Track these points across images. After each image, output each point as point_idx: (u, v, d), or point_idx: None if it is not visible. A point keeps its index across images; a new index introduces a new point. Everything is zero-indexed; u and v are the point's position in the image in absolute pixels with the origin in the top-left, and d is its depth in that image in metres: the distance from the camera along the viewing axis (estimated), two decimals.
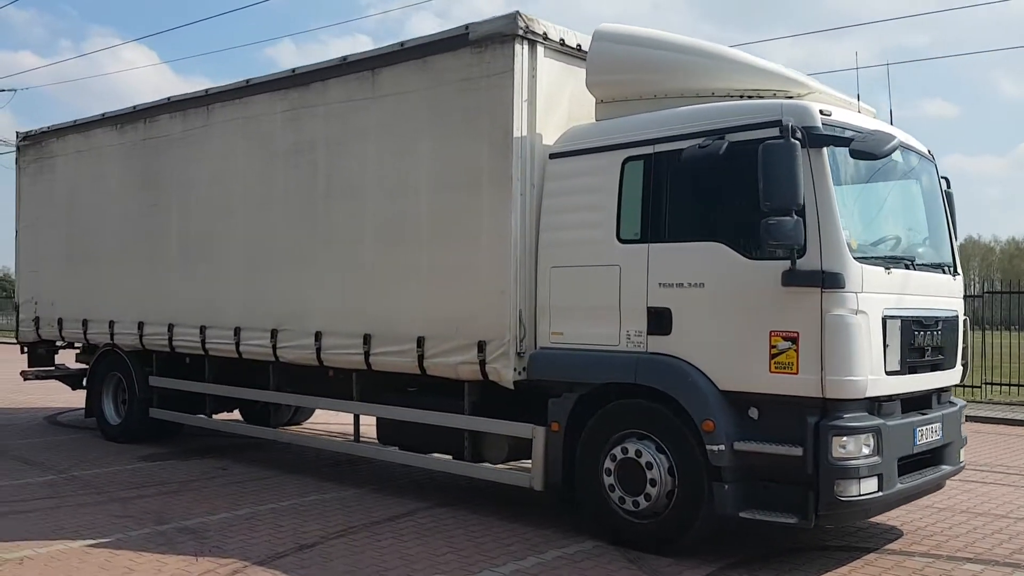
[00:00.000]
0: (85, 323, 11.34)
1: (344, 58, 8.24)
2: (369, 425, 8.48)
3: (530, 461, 6.89)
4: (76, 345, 12.28)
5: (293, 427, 11.34)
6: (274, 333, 8.85)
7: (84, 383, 12.53)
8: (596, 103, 6.95)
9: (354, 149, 8.14)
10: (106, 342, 11.07)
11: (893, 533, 6.88)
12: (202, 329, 9.67)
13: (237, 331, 9.25)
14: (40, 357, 12.90)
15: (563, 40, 7.16)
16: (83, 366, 12.52)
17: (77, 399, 13.83)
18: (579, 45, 7.26)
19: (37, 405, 14.73)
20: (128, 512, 7.33)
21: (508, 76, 6.89)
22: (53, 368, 12.89)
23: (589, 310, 6.54)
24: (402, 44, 7.74)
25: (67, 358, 12.81)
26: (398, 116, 7.76)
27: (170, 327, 10.08)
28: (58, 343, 12.55)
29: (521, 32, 6.86)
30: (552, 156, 6.90)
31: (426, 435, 7.74)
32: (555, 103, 7.11)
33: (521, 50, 6.89)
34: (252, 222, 9.18)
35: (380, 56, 7.94)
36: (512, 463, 7.49)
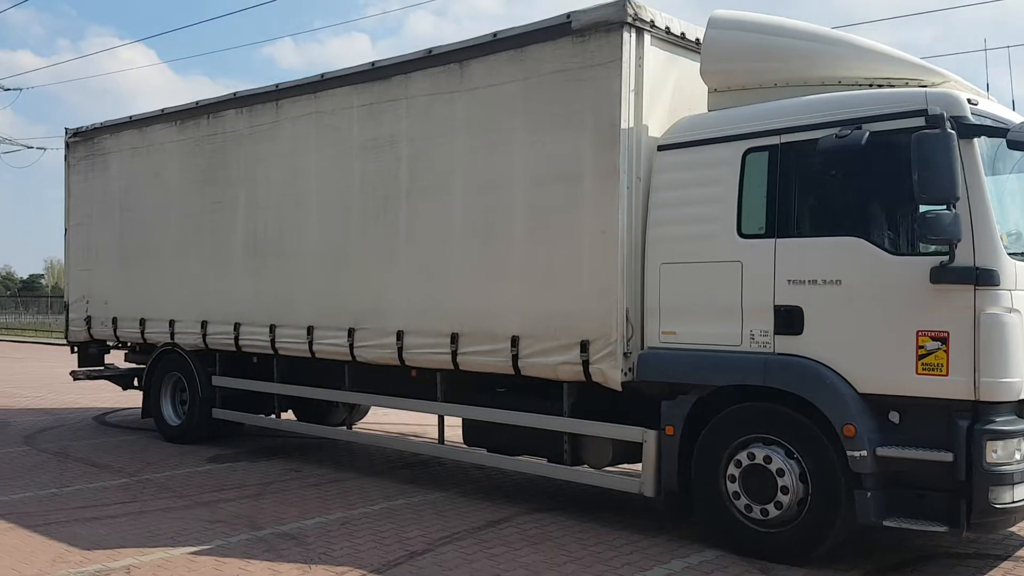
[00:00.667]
0: (142, 322, 11.13)
1: (429, 50, 7.99)
2: (452, 426, 8.25)
3: (628, 465, 6.64)
4: (127, 344, 12.11)
5: (361, 427, 11.08)
6: (351, 332, 8.61)
7: (136, 383, 12.40)
8: (709, 92, 6.70)
9: (440, 143, 7.89)
10: (165, 341, 10.85)
11: (1014, 538, 6.61)
12: (271, 328, 9.44)
13: (310, 330, 9.02)
14: (90, 357, 12.69)
15: (668, 28, 6.91)
16: (134, 366, 12.37)
17: (124, 399, 13.78)
18: (683, 33, 7.01)
19: (83, 405, 14.53)
20: (217, 517, 7.11)
21: (615, 66, 6.63)
22: (103, 368, 12.69)
23: (706, 308, 6.29)
24: (495, 35, 7.49)
25: (115, 357, 12.63)
26: (489, 109, 7.52)
27: (236, 326, 9.86)
28: (109, 343, 12.37)
29: (629, 20, 6.61)
30: (661, 148, 6.64)
31: (518, 437, 7.50)
32: (659, 94, 6.86)
33: (629, 39, 6.64)
34: (326, 219, 8.95)
35: (469, 48, 7.68)
36: (609, 467, 7.24)
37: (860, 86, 6.16)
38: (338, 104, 8.85)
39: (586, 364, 6.77)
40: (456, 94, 7.77)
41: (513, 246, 7.32)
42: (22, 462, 9.46)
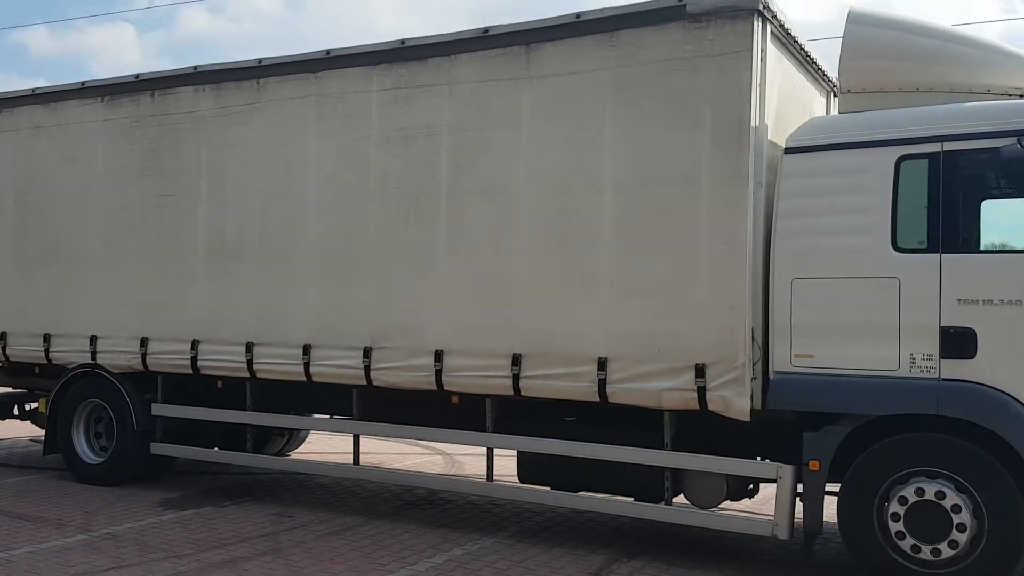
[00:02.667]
0: (47, 338, 9.20)
1: (485, 30, 6.96)
2: (468, 455, 7.23)
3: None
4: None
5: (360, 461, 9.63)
6: (367, 352, 7.39)
7: (15, 412, 10.38)
8: (841, 92, 6.19)
9: (496, 137, 6.89)
10: (82, 362, 9.00)
11: None
12: (248, 347, 7.99)
13: (307, 349, 7.68)
14: None
15: (783, 23, 6.33)
16: (10, 391, 10.33)
17: None
18: (790, 30, 6.47)
19: None
20: None
21: (743, 57, 5.97)
22: None
23: (852, 329, 5.72)
24: (577, 16, 6.59)
25: None
26: (566, 99, 6.62)
27: (194, 344, 8.29)
28: None
29: (760, 7, 5.97)
30: (789, 151, 6.03)
31: (597, 474, 6.62)
32: (772, 92, 6.26)
33: (758, 28, 6.00)
34: (331, 220, 7.65)
35: (540, 30, 6.74)
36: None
37: (1010, 96, 5.84)
38: (349, 87, 7.59)
39: (702, 391, 6.03)
40: (520, 81, 6.80)
41: (600, 255, 6.45)
42: None
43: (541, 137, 6.71)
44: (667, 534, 7.11)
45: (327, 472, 8.67)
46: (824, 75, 7.42)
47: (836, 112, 7.61)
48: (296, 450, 10.32)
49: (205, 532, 7.06)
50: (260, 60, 8.06)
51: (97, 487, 8.73)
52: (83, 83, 9.15)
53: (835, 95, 7.69)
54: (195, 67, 8.44)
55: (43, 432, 9.69)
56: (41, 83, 9.57)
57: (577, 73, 6.58)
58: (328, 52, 7.70)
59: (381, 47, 7.45)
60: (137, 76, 8.77)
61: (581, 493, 6.82)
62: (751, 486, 6.57)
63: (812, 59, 7.06)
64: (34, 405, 10.34)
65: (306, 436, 10.54)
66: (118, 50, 70.05)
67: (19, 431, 12.13)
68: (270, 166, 8.00)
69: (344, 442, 10.60)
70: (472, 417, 7.11)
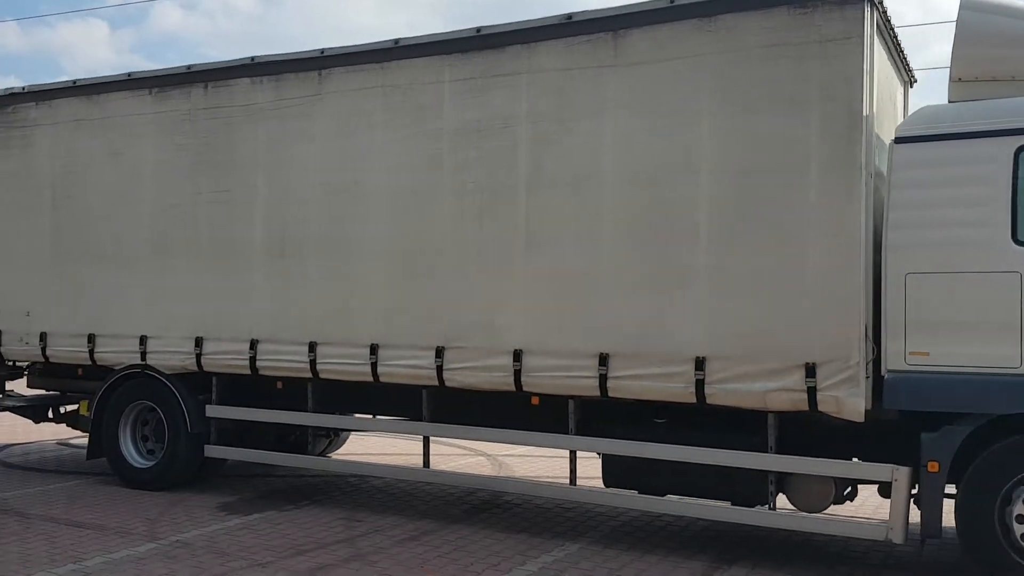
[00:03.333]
0: (92, 339, 8.90)
1: (569, 16, 6.71)
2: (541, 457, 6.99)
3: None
4: (26, 367, 9.83)
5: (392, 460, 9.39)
6: (439, 351, 7.14)
7: (50, 415, 10.09)
8: (952, 81, 5.96)
9: (581, 128, 6.65)
10: (130, 363, 8.71)
11: None
12: (312, 346, 7.72)
13: (374, 349, 7.42)
14: None
15: (885, 11, 6.12)
16: (43, 392, 10.04)
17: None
18: (890, 20, 6.27)
19: None
20: None
21: (854, 44, 5.76)
22: (11, 396, 10.16)
23: (970, 325, 5.51)
24: (672, 0, 6.35)
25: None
26: (658, 87, 6.39)
27: (253, 344, 8.02)
28: (19, 364, 9.93)
29: None
30: (899, 140, 5.81)
31: (692, 477, 6.39)
32: (875, 80, 6.04)
33: (868, 14, 5.78)
34: (399, 216, 7.40)
35: (629, 15, 6.50)
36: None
37: None
38: (418, 77, 7.34)
39: (812, 392, 5.80)
40: (607, 69, 6.56)
41: (696, 249, 6.21)
42: None
43: (629, 127, 6.47)
44: (754, 538, 6.90)
45: (400, 476, 8.38)
46: (907, 66, 7.23)
47: (909, 104, 7.48)
48: (336, 451, 10.07)
49: (279, 538, 6.80)
50: (323, 51, 7.79)
51: (147, 492, 8.44)
52: (129, 74, 8.85)
53: (911, 86, 7.54)
54: (252, 58, 8.15)
55: (73, 435, 9.46)
56: (12, 81, 9.21)
57: (670, 60, 6.34)
58: (397, 41, 7.44)
59: (455, 36, 7.20)
60: (189, 67, 8.48)
61: (671, 497, 6.59)
62: (848, 489, 6.36)
63: (901, 49, 6.86)
64: (71, 408, 10.09)
65: (347, 437, 10.29)
66: (90, 47, 69.33)
67: (42, 434, 11.90)
68: (333, 160, 7.73)
69: (383, 443, 10.42)
70: (552, 419, 6.88)
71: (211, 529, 7.07)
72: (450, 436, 7.73)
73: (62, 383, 9.86)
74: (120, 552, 6.39)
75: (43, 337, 9.21)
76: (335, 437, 9.98)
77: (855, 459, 6.11)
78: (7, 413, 10.15)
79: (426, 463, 7.67)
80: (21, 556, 6.28)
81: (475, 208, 7.05)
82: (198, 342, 8.32)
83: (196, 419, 8.43)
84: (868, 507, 7.26)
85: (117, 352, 8.80)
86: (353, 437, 10.41)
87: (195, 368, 8.39)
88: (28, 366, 9.98)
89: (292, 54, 7.97)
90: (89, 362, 9.01)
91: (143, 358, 8.62)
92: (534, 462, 9.87)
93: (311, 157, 7.83)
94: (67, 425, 10.19)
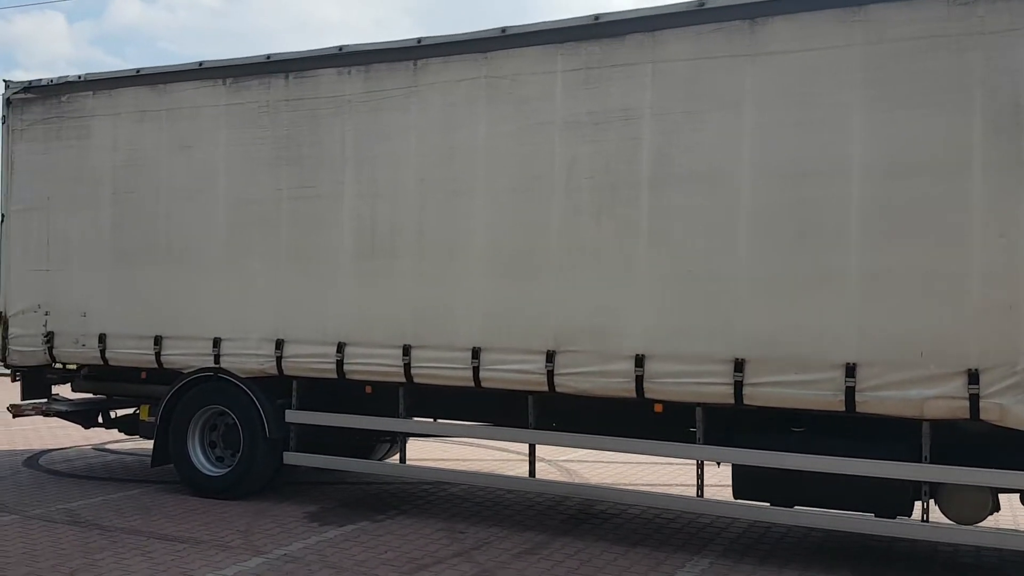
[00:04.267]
0: (159, 340, 8.48)
1: (700, 3, 6.40)
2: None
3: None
4: (72, 370, 9.43)
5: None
6: (550, 356, 6.81)
7: (100, 420, 9.68)
8: None
9: (714, 120, 6.35)
10: (202, 366, 8.30)
11: None
12: (406, 350, 7.37)
13: (476, 352, 7.08)
14: (38, 386, 9.70)
15: None
16: (91, 396, 9.64)
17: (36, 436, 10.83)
18: None
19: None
20: None
21: (1021, 35, 5.49)
22: (60, 400, 9.71)
23: None
24: None
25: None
26: (801, 79, 6.10)
27: (340, 346, 7.65)
28: (69, 366, 9.49)
29: None
30: None
31: (830, 488, 6.10)
32: None
33: None
34: (504, 212, 7.07)
35: (768, 3, 6.19)
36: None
37: None
38: (526, 67, 7.01)
39: (975, 399, 5.54)
40: (743, 58, 6.26)
41: (846, 250, 5.93)
42: (49, 541, 6.68)
43: (769, 120, 6.18)
44: (876, 550, 6.63)
45: (508, 486, 8.09)
46: None
47: None
48: (392, 457, 9.69)
49: (389, 551, 6.45)
50: (419, 40, 7.43)
51: (221, 501, 8.04)
52: (200, 63, 8.43)
53: None
54: (340, 47, 7.78)
55: (110, 439, 9.02)
56: None
57: (814, 50, 6.06)
58: (504, 30, 7.10)
59: (569, 24, 6.87)
60: (269, 56, 8.09)
61: (805, 509, 6.29)
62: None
63: None
64: (120, 413, 9.68)
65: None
66: (48, 41, 68.08)
67: (71, 439, 11.51)
68: (430, 154, 7.38)
69: (434, 448, 10.04)
70: (676, 427, 6.58)
71: (312, 542, 6.70)
72: (558, 444, 7.43)
73: (112, 387, 9.45)
74: (230, 568, 6.02)
75: (102, 339, 8.78)
76: (395, 443, 9.63)
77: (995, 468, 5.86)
78: (17, 418, 9.67)
79: (532, 472, 7.33)
80: (124, 574, 5.89)
81: (591, 205, 6.73)
82: (278, 344, 7.93)
83: (275, 425, 8.05)
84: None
85: (186, 355, 8.40)
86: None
87: (274, 371, 8.00)
88: (78, 369, 9.56)
89: (384, 43, 7.61)
90: (155, 365, 8.59)
91: (216, 361, 8.23)
92: (600, 468, 9.57)
93: (404, 152, 7.48)
94: (119, 431, 9.80)
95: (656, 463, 9.54)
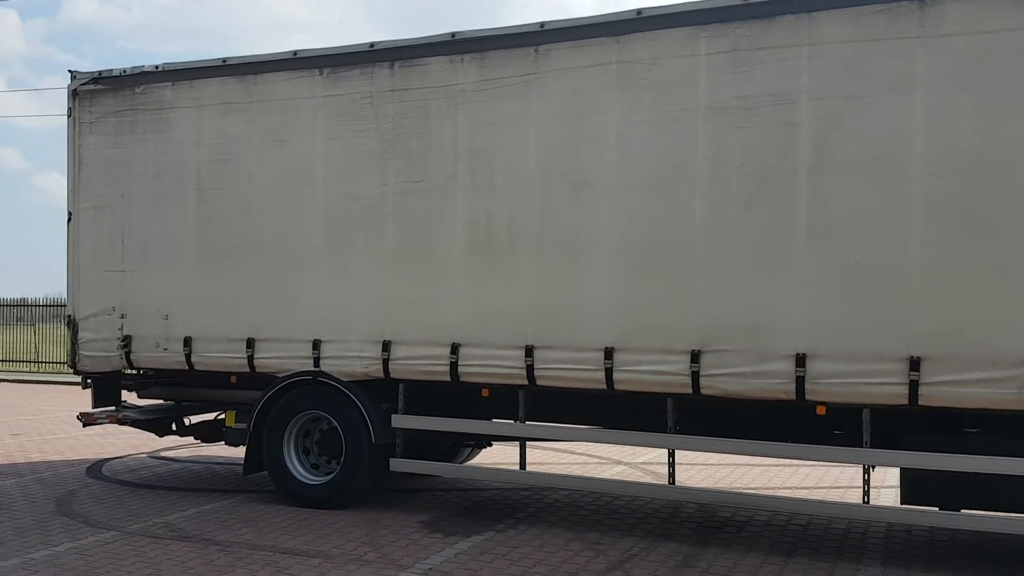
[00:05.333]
0: (251, 343, 8.07)
1: None
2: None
3: None
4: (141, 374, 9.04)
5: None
6: (695, 356, 6.46)
7: (173, 428, 9.27)
8: None
9: (881, 105, 6.00)
10: (300, 369, 7.90)
11: None
12: (528, 350, 7.00)
13: (609, 353, 6.72)
14: (108, 393, 9.26)
15: None
16: (159, 403, 9.26)
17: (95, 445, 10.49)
18: None
19: (37, 457, 10.77)
20: None
21: None
22: (130, 408, 9.27)
23: None
24: None
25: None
26: (978, 62, 5.77)
27: (454, 347, 7.27)
28: (139, 371, 9.07)
29: None
30: None
31: (1013, 491, 5.78)
32: None
33: None
34: (638, 204, 6.71)
35: None
36: None
37: None
38: (664, 51, 6.65)
39: None
40: (912, 40, 5.93)
41: None
42: (170, 560, 6.26)
43: (944, 105, 5.85)
44: None
45: (647, 494, 7.86)
46: None
47: None
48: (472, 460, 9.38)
49: (537, 564, 6.08)
50: (542, 24, 7.06)
51: (324, 511, 7.65)
52: (295, 53, 8.03)
53: None
54: (452, 34, 7.40)
55: (161, 446, 8.57)
56: None
57: (992, 32, 5.73)
58: (639, 12, 6.74)
59: (712, 4, 6.51)
60: (372, 45, 7.69)
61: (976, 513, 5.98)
62: None
63: None
64: (198, 419, 9.27)
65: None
66: (1, 39, 66.95)
67: (118, 447, 11.11)
68: (553, 145, 7.01)
69: (498, 452, 9.67)
70: (843, 430, 6.25)
71: (450, 554, 6.33)
72: (705, 449, 7.02)
73: (193, 393, 9.04)
74: None
75: (187, 342, 8.36)
76: (476, 447, 9.28)
77: None
78: (88, 427, 9.21)
79: (671, 479, 6.95)
80: None
81: (741, 195, 6.38)
82: (385, 346, 7.55)
83: (381, 430, 7.66)
84: None
85: (282, 358, 8.00)
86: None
87: (380, 375, 7.62)
88: (156, 374, 9.13)
89: (501, 29, 7.24)
90: (246, 369, 8.18)
91: (316, 364, 7.83)
92: (692, 471, 9.24)
93: (525, 143, 7.10)
94: (196, 438, 9.37)
95: (750, 464, 9.24)
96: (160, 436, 9.47)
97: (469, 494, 8.40)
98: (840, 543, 6.68)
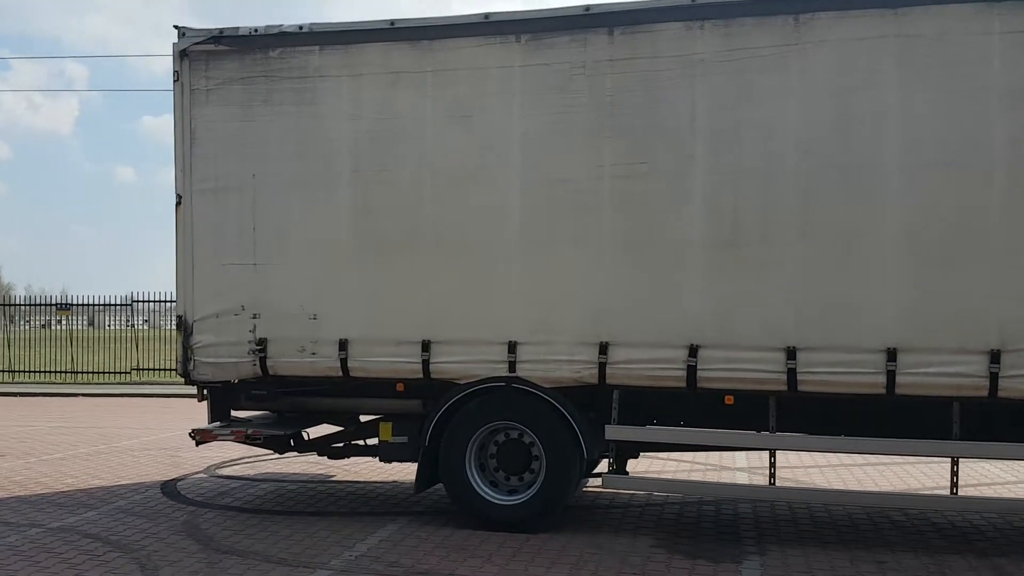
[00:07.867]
0: (427, 346, 7.12)
1: None
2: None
3: None
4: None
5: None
6: (995, 356, 5.94)
7: (292, 444, 8.18)
8: None
9: None
10: (490, 375, 7.00)
11: None
12: (791, 352, 6.33)
13: (892, 354, 6.12)
14: (222, 408, 8.06)
15: None
16: (264, 414, 8.19)
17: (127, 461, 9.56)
18: None
19: (107, 479, 9.47)
20: None
21: None
22: (252, 423, 8.12)
23: None
24: None
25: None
26: None
27: (692, 349, 6.54)
28: (275, 377, 7.89)
29: None
30: None
31: None
32: None
33: None
34: (920, 192, 6.17)
35: None
36: None
37: None
38: (952, 26, 6.10)
39: None
40: None
41: None
42: None
43: None
44: None
45: (938, 506, 7.26)
46: None
47: None
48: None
49: None
50: None
51: (517, 534, 6.79)
52: (486, 16, 7.09)
53: None
54: None
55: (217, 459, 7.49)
56: None
57: None
58: None
59: None
60: (588, 8, 6.85)
61: None
62: None
63: None
64: (327, 432, 8.23)
65: None
66: None
67: (179, 466, 9.88)
68: (816, 124, 6.39)
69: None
70: None
71: None
72: (997, 457, 6.49)
73: (289, 403, 7.87)
74: None
75: (343, 345, 7.32)
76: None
77: None
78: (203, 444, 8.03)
79: (954, 489, 6.39)
80: None
81: None
82: (602, 348, 6.74)
83: (592, 443, 6.85)
84: None
85: (465, 362, 7.08)
86: None
87: (593, 380, 6.81)
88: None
89: None
90: (419, 375, 7.20)
91: (511, 369, 6.95)
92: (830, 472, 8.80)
93: (780, 121, 6.44)
94: (322, 455, 8.31)
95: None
96: (280, 453, 8.38)
97: (653, 508, 7.64)
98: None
